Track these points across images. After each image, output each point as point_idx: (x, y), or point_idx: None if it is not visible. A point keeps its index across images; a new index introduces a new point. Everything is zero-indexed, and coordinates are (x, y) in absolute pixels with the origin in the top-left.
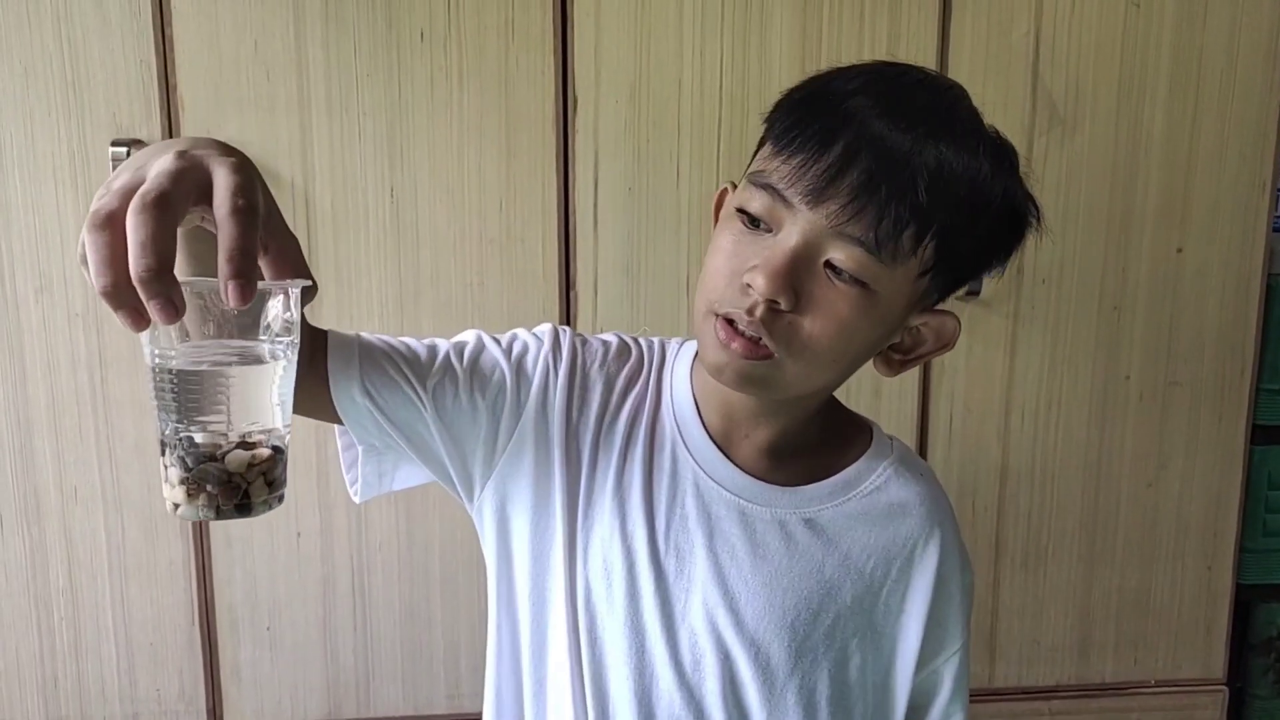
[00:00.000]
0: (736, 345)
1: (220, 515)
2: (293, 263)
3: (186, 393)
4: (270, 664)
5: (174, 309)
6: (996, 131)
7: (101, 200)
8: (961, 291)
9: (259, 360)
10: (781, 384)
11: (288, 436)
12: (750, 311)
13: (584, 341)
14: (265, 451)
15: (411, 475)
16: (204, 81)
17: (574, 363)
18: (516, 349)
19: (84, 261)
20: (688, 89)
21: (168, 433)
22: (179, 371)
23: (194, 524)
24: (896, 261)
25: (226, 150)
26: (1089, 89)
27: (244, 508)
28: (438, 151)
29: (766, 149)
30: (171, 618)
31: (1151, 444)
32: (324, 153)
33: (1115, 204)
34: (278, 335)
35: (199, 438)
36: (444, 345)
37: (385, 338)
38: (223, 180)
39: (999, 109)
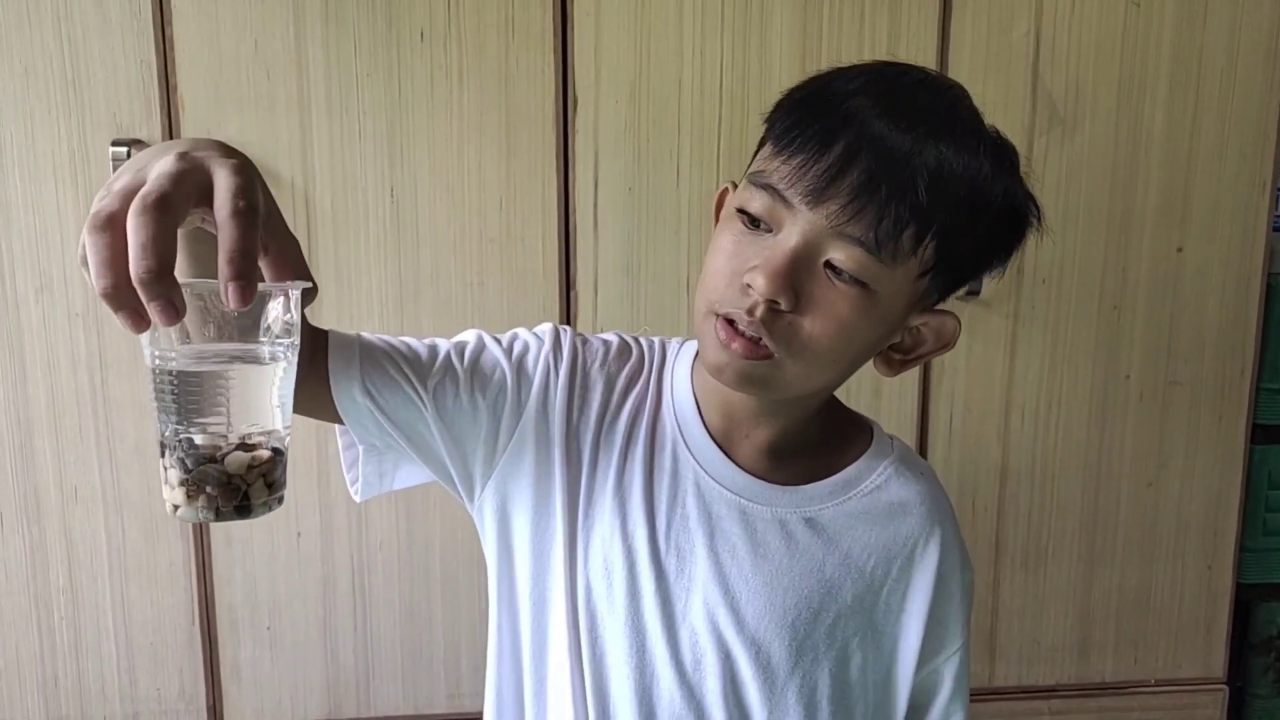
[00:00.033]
0: (737, 345)
1: (220, 517)
2: (293, 264)
3: (186, 394)
4: (270, 663)
5: (174, 311)
6: (997, 131)
7: (102, 202)
8: (962, 291)
9: (259, 362)
10: (782, 384)
11: (288, 438)
12: (750, 312)
13: (584, 341)
14: (265, 453)
15: (412, 475)
16: (204, 81)
17: (575, 362)
18: (517, 349)
19: (84, 263)
20: (688, 88)
21: (167, 434)
22: (179, 373)
23: (194, 524)
24: (896, 262)
25: (227, 152)
26: (1089, 89)
27: (243, 509)
28: (438, 151)
29: (767, 149)
30: (172, 617)
31: (1151, 443)
32: (324, 152)
33: (1115, 204)
34: (278, 337)
35: (199, 439)
36: (444, 345)
37: (386, 337)
38: (223, 182)
39: (999, 109)
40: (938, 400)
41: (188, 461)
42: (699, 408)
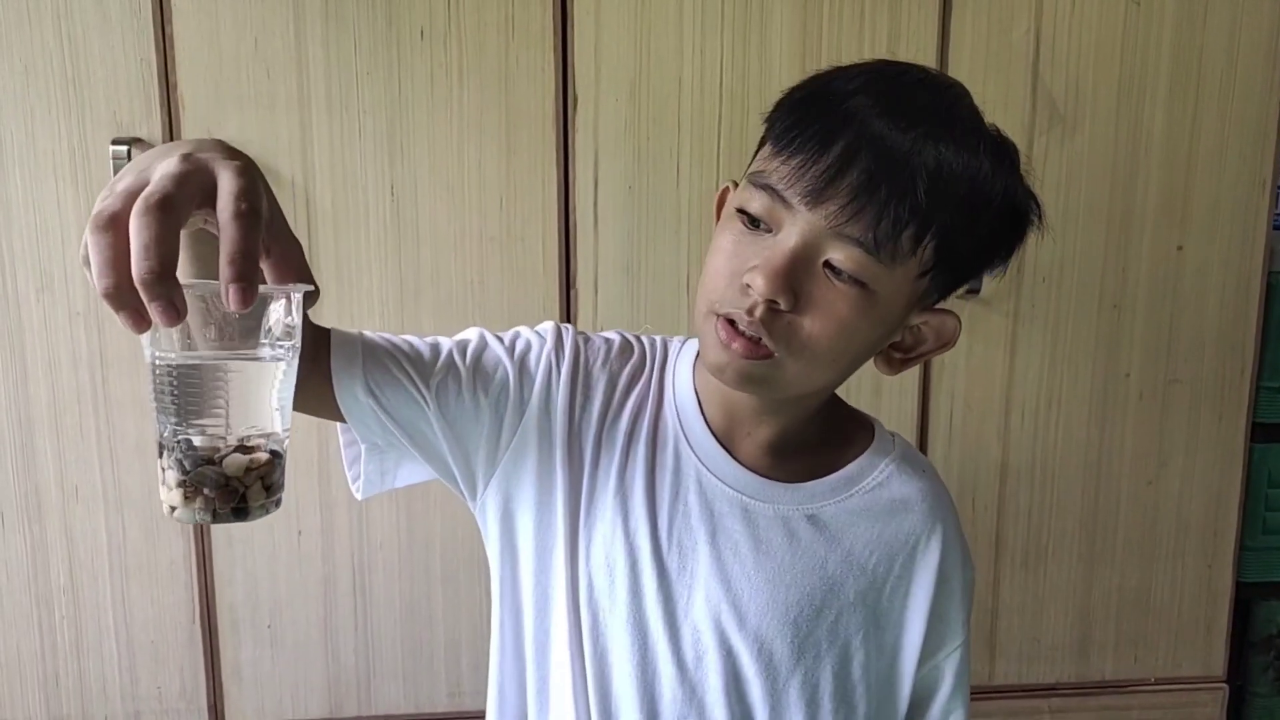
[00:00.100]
0: (737, 345)
1: (217, 519)
2: (295, 267)
3: (186, 395)
4: (271, 662)
5: (175, 311)
6: (997, 130)
7: (105, 202)
8: (962, 290)
9: (259, 364)
10: (782, 383)
11: (287, 441)
12: (750, 311)
13: (586, 339)
14: (263, 456)
15: (414, 473)
16: (204, 79)
17: (577, 361)
18: (519, 347)
19: (86, 262)
20: (688, 87)
21: (166, 435)
22: (179, 373)
23: (194, 524)
24: (896, 261)
25: (231, 153)
26: (1089, 89)
27: (241, 512)
28: (438, 149)
29: (766, 149)
30: (172, 616)
31: (1152, 442)
32: (324, 151)
33: (1115, 203)
34: (278, 339)
35: (197, 440)
36: (446, 343)
37: (388, 336)
38: (226, 183)
39: (999, 108)
40: (938, 398)
41: (186, 463)
42: (701, 406)
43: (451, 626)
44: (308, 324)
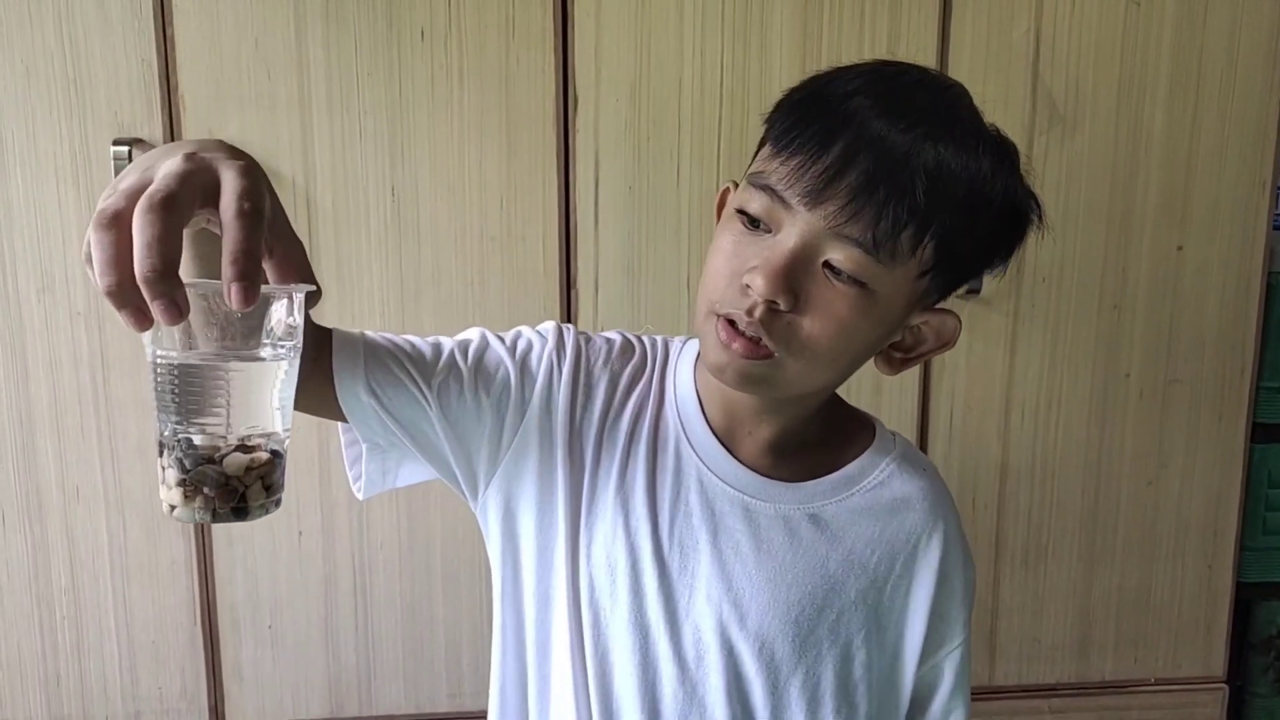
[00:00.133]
0: (737, 345)
1: (217, 518)
2: (298, 268)
3: (186, 393)
4: (272, 662)
5: (177, 310)
6: (997, 130)
7: (108, 200)
8: (962, 290)
9: (260, 362)
10: (782, 383)
11: (287, 441)
12: (750, 312)
13: (588, 340)
14: (264, 455)
15: (415, 472)
16: (205, 80)
17: (578, 360)
18: (521, 347)
19: (89, 260)
20: (688, 88)
21: (166, 434)
22: (180, 372)
23: (194, 524)
24: (895, 262)
25: (234, 153)
26: (1089, 89)
27: (241, 511)
28: (438, 150)
29: (766, 150)
30: (173, 616)
31: (1152, 442)
32: (325, 151)
33: (1115, 203)
34: (280, 339)
35: (198, 439)
36: (448, 343)
37: (390, 336)
38: (230, 183)
39: (999, 108)
40: (938, 398)
41: (186, 462)
42: (702, 406)
43: (452, 627)
44: (309, 324)
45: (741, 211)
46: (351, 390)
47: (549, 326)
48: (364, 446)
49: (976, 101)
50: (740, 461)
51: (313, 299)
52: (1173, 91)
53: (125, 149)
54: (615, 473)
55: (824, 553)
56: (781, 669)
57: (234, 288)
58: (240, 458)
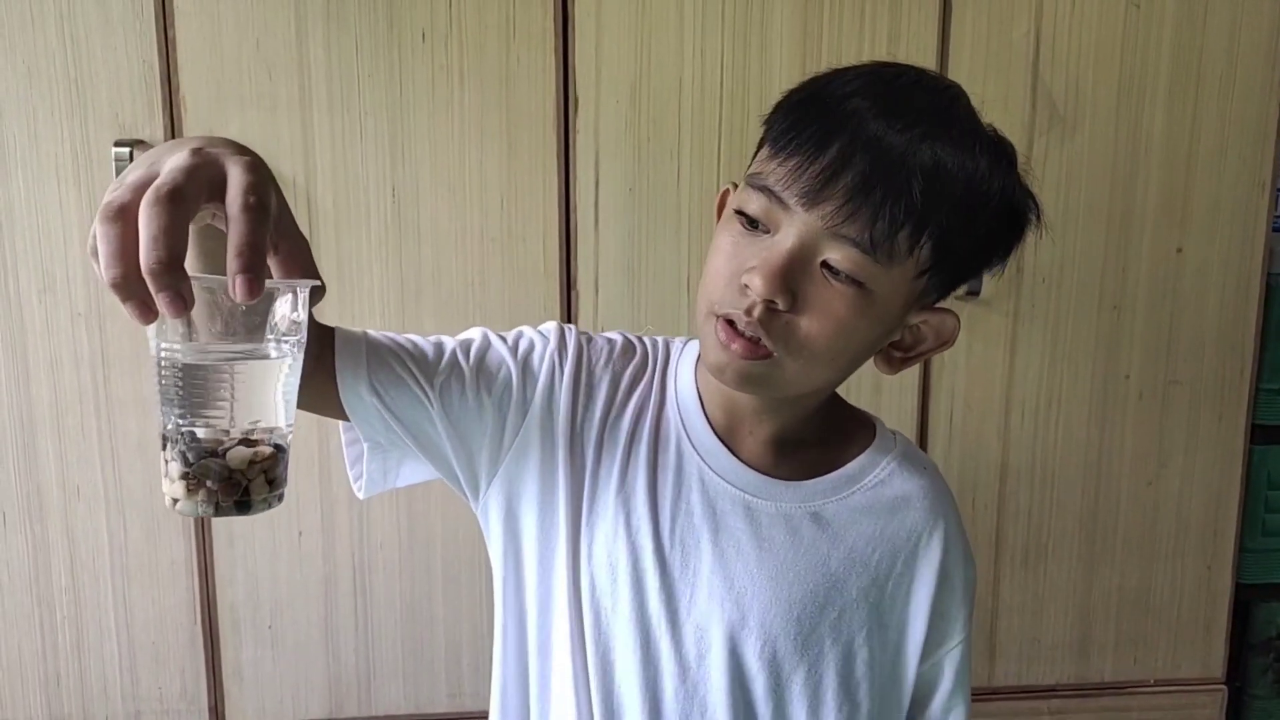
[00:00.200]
0: (737, 346)
1: (219, 512)
2: (302, 264)
3: (190, 387)
4: (272, 663)
5: (182, 302)
6: (995, 130)
7: (114, 193)
8: (961, 290)
9: (264, 358)
10: (782, 383)
11: (290, 436)
12: (749, 312)
13: (589, 340)
14: (267, 449)
15: (416, 472)
16: (206, 81)
17: (579, 360)
18: (523, 347)
19: (94, 253)
20: (688, 88)
21: (169, 427)
22: (184, 365)
23: (195, 522)
24: (893, 261)
25: (240, 149)
26: (1089, 89)
27: (243, 505)
28: (439, 150)
29: (765, 151)
30: (173, 616)
31: (1151, 443)
32: (326, 151)
33: (1115, 203)
34: (284, 335)
35: (201, 433)
36: (450, 343)
37: (392, 335)
38: (236, 178)
39: (999, 108)
40: (938, 397)
41: (189, 455)
42: (702, 405)
43: (452, 627)
44: (312, 322)
45: (740, 212)
46: (354, 389)
47: (550, 327)
48: (365, 445)
49: (976, 102)
50: (741, 460)
51: (317, 295)
52: (1172, 92)
53: (127, 150)
54: (616, 472)
55: (825, 551)
56: (783, 667)
57: (239, 280)
58: (244, 451)
